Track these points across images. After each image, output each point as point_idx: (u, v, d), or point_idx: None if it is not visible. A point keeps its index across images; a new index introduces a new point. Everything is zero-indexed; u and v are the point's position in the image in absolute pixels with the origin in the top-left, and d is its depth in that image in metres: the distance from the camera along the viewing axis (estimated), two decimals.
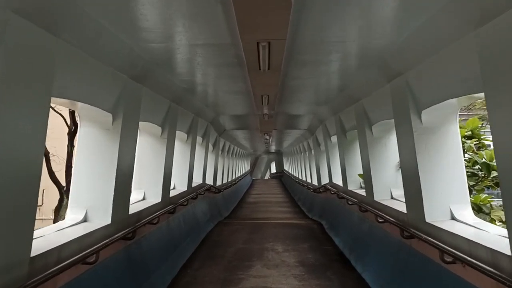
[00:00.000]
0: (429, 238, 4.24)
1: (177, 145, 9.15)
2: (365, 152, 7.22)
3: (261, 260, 7.29)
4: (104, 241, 4.20)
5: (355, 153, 9.10)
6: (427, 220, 4.60)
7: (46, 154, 17.93)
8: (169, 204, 7.40)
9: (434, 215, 4.59)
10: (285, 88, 7.27)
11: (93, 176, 4.66)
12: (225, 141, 16.88)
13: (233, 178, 22.83)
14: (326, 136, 11.53)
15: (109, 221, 4.57)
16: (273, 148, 34.15)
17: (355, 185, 9.04)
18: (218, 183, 15.73)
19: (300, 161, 22.21)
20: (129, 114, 5.05)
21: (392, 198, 6.87)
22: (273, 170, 49.26)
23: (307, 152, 18.60)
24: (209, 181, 13.39)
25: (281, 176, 39.80)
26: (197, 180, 11.37)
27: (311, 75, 6.17)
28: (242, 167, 31.20)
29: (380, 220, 6.09)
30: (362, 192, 8.15)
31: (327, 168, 11.88)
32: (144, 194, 6.94)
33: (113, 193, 4.63)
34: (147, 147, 7.00)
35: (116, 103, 4.76)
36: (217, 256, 7.68)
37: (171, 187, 9.01)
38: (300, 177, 21.61)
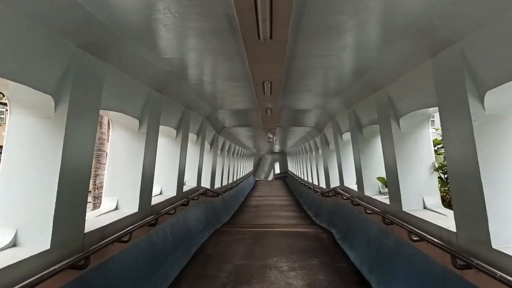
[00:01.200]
0: (507, 277, 2.86)
1: (164, 143, 7.87)
2: (389, 150, 5.88)
3: (262, 282, 5.96)
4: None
5: (373, 153, 7.77)
6: (494, 246, 3.21)
7: None
8: (151, 214, 6.10)
9: (506, 238, 3.24)
10: (291, 72, 5.95)
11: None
12: (225, 140, 15.55)
13: (235, 179, 21.48)
14: (336, 134, 10.18)
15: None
16: (277, 148, 32.77)
17: (373, 190, 7.69)
18: (217, 185, 14.42)
19: (305, 161, 20.82)
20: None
21: (425, 208, 5.52)
22: (277, 170, 47.86)
23: (313, 152, 17.23)
24: (206, 183, 12.08)
25: (285, 177, 38.39)
26: (191, 183, 10.07)
27: (326, 50, 4.83)
28: (245, 168, 29.82)
29: (415, 238, 4.74)
30: (384, 199, 6.81)
31: (338, 170, 10.53)
32: (117, 203, 5.64)
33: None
34: (120, 144, 5.70)
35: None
36: (209, 277, 6.35)
37: (158, 192, 7.72)
38: (306, 179, 20.22)
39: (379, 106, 6.19)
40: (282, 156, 42.51)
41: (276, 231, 10.35)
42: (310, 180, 18.54)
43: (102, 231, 4.46)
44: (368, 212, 6.90)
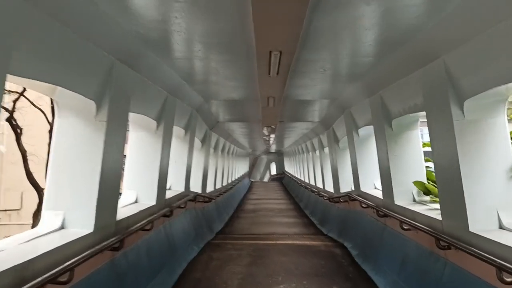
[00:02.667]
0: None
1: (140, 137, 6.22)
2: (445, 146, 4.25)
3: None
4: None
5: (407, 151, 6.16)
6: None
7: (24, 153, 15.61)
8: (114, 234, 4.42)
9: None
10: (309, 37, 4.32)
11: None
12: (219, 137, 13.86)
13: (230, 181, 19.78)
14: (351, 129, 8.54)
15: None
16: (273, 148, 31.08)
17: (406, 198, 6.07)
18: (210, 189, 12.75)
19: (306, 162, 19.15)
20: None
21: (501, 228, 3.90)
22: (273, 171, 46.15)
23: (316, 151, 15.61)
24: (197, 187, 10.41)
25: (282, 178, 36.71)
26: (177, 188, 8.40)
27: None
28: (240, 169, 28.09)
29: (506, 279, 3.12)
30: (426, 210, 5.20)
31: (352, 172, 8.90)
32: (63, 220, 3.96)
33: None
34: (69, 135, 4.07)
35: None
36: None
37: (133, 200, 6.06)
38: (307, 181, 18.56)
39: (427, 87, 4.56)
40: (279, 157, 40.83)
41: (278, 245, 8.70)
42: (312, 183, 16.88)
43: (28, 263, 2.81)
44: (405, 228, 5.27)
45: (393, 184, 6.07)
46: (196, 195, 9.02)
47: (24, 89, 14.56)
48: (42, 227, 3.89)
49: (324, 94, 8.00)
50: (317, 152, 15.39)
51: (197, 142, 10.46)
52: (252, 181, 36.74)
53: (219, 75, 6.36)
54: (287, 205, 19.14)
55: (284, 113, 10.39)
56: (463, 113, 3.94)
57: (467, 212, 3.92)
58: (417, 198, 5.98)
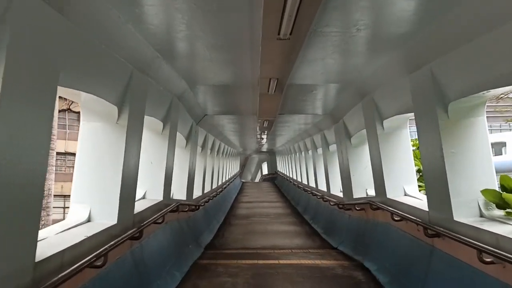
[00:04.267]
0: None
1: (93, 130, 4.43)
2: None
3: None
4: None
5: (469, 146, 4.43)
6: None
7: None
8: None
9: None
10: None
11: None
12: (207, 134, 12.01)
13: (220, 183, 17.92)
14: (373, 120, 6.79)
15: None
16: (265, 147, 29.25)
17: (470, 212, 4.33)
18: (198, 193, 10.92)
19: (304, 161, 17.37)
20: None
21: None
22: (265, 171, 44.33)
23: (318, 150, 13.88)
24: (181, 193, 8.59)
25: (275, 179, 34.90)
26: (154, 196, 6.57)
27: None
28: (231, 170, 26.20)
29: None
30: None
31: (374, 173, 7.16)
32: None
33: None
34: None
35: None
36: None
37: (83, 218, 4.25)
38: (306, 182, 16.78)
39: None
40: (271, 156, 39.00)
41: (282, 266, 6.91)
42: (312, 185, 15.13)
43: None
44: (487, 260, 3.51)
45: (451, 193, 4.32)
46: (179, 203, 7.19)
47: None
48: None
49: (339, 74, 6.26)
50: (319, 150, 13.66)
51: (181, 139, 8.65)
52: (243, 182, 34.89)
53: (206, 45, 4.57)
54: (283, 209, 17.39)
55: (285, 102, 8.62)
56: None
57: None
58: (486, 213, 4.25)
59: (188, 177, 8.87)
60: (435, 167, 4.58)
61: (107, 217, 4.31)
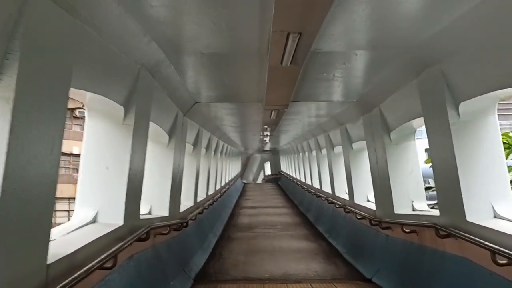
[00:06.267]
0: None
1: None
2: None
3: None
4: None
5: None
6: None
7: None
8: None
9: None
10: None
11: None
12: (201, 129, 9.67)
13: (218, 187, 15.57)
14: (443, 105, 4.46)
15: None
16: (268, 145, 26.83)
17: None
18: (188, 204, 8.64)
19: (315, 162, 14.98)
20: None
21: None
22: (268, 171, 41.95)
23: (334, 149, 11.58)
24: (162, 207, 6.33)
25: (278, 179, 32.54)
26: (112, 219, 4.30)
27: None
28: (231, 171, 23.80)
29: None
30: None
31: (440, 184, 4.87)
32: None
33: None
34: None
35: None
36: None
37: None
38: (318, 187, 14.40)
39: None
40: (274, 156, 36.65)
41: None
42: (327, 190, 12.79)
43: None
44: None
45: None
46: (150, 227, 4.87)
47: None
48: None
49: (387, 34, 4.01)
50: (336, 149, 11.37)
51: (160, 135, 6.40)
52: (244, 183, 32.57)
53: None
54: (291, 217, 15.10)
55: (303, 83, 6.32)
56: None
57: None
58: None
59: (172, 184, 6.59)
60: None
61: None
